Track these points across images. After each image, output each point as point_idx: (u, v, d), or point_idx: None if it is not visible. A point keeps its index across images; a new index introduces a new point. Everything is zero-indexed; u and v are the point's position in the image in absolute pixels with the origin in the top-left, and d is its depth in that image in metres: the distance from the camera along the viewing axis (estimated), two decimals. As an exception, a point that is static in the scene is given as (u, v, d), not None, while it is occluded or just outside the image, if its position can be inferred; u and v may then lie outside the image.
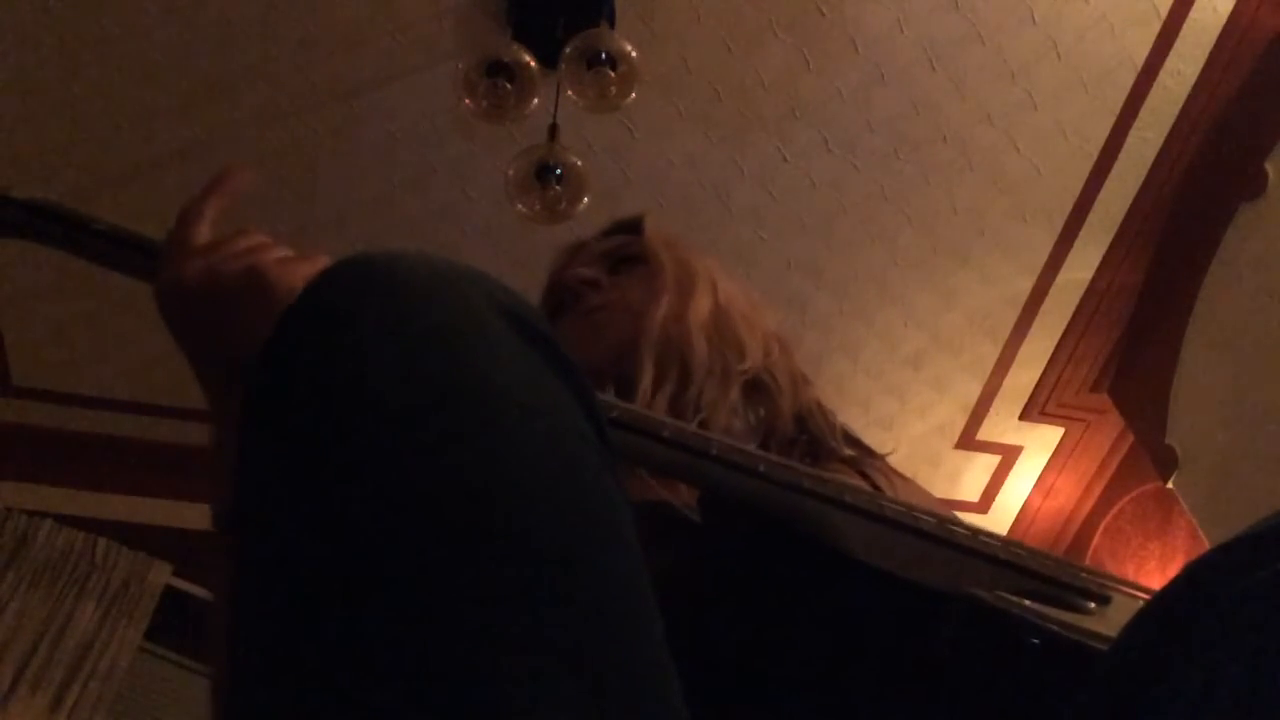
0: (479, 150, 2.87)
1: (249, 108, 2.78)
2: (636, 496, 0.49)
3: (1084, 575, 0.61)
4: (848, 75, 2.78)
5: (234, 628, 0.41)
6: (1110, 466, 3.68)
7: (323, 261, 0.60)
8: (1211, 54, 2.79)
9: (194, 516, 3.15)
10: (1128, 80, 2.83)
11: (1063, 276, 3.22)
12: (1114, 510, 3.65)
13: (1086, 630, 0.55)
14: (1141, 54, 2.78)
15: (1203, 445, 3.00)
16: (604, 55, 2.38)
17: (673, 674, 0.41)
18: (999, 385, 3.48)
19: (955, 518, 0.63)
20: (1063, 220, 3.10)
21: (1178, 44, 2.76)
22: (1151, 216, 3.10)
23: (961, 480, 3.77)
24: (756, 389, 0.86)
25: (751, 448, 0.66)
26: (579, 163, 2.50)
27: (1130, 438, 3.51)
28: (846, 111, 2.84)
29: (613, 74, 2.39)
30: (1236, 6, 2.70)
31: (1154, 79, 2.83)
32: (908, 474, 0.85)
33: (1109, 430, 3.59)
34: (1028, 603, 0.57)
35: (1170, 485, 3.13)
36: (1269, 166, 2.85)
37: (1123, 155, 2.97)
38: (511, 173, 2.49)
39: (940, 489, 3.76)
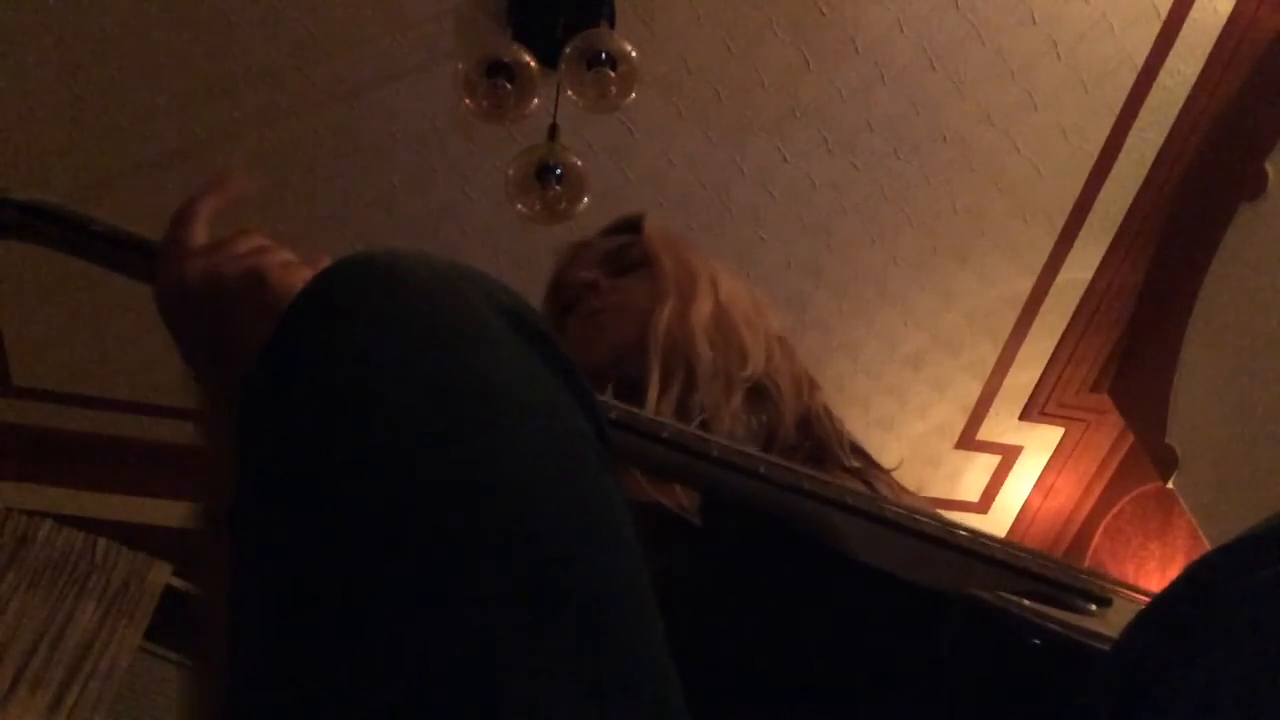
0: (479, 150, 2.87)
1: (249, 108, 2.78)
2: (630, 497, 0.49)
3: (1084, 577, 0.61)
4: (848, 75, 2.78)
5: (234, 628, 0.41)
6: (1110, 466, 3.68)
7: (325, 264, 0.60)
8: (1211, 54, 2.79)
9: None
10: (1128, 80, 2.83)
11: (1063, 276, 3.22)
12: (1114, 510, 3.65)
13: (1087, 631, 0.55)
14: (1141, 54, 2.78)
15: (1203, 445, 3.00)
16: (604, 55, 2.38)
17: (673, 674, 0.41)
18: (999, 385, 3.48)
19: (956, 523, 0.63)
20: (1063, 220, 3.10)
21: (1178, 44, 2.76)
22: (1151, 216, 3.10)
23: (961, 480, 3.77)
24: (759, 394, 0.85)
25: (752, 449, 0.66)
26: (579, 163, 2.49)
27: (1130, 438, 3.51)
28: (846, 111, 2.84)
29: (613, 74, 2.39)
30: (1236, 6, 2.70)
31: (1154, 79, 2.83)
32: (907, 474, 0.85)
33: (1109, 430, 3.59)
34: (1028, 603, 0.57)
35: (1170, 485, 3.13)
36: (1269, 166, 2.85)
37: (1123, 155, 2.97)
38: (511, 173, 2.49)
39: (940, 489, 3.76)
